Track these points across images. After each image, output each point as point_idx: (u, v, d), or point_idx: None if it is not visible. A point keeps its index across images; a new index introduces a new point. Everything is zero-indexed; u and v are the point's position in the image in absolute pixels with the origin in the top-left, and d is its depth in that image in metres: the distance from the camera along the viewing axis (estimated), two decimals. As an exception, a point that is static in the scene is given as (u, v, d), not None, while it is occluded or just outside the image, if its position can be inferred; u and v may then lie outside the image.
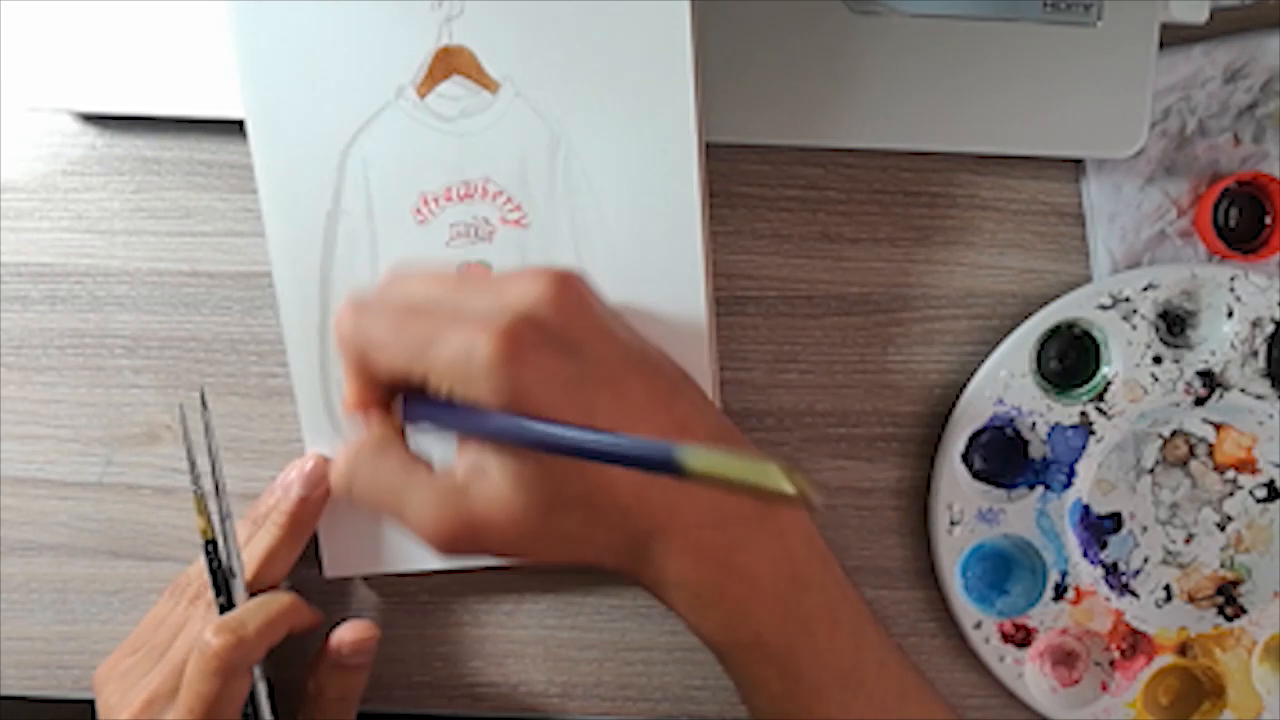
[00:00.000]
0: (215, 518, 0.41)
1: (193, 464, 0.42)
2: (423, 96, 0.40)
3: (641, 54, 0.39)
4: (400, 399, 0.37)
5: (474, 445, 0.35)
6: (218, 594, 0.41)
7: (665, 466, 0.29)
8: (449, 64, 0.39)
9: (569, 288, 0.35)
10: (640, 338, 0.38)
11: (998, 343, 0.45)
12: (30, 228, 0.46)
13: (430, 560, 0.43)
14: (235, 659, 0.38)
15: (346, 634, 0.42)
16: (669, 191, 0.40)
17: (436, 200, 0.40)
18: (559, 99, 0.40)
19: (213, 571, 0.41)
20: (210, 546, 0.41)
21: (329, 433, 0.42)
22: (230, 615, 0.40)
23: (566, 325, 0.34)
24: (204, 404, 0.42)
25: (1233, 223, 0.46)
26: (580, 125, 0.40)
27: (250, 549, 0.42)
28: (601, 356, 0.34)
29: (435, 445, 0.39)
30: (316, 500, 0.42)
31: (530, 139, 0.40)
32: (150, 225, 0.46)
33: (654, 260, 0.41)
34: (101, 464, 0.46)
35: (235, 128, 0.44)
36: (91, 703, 0.42)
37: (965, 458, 0.46)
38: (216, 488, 0.41)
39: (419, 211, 0.40)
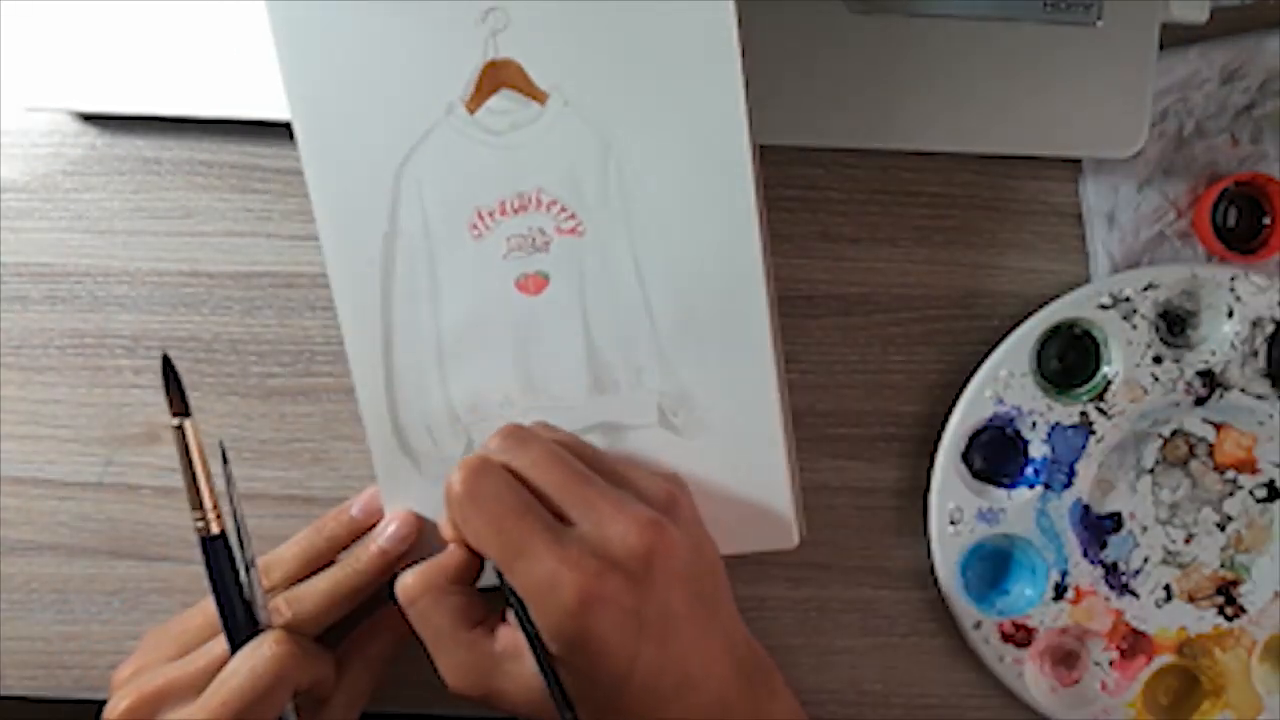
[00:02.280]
0: (241, 566, 0.39)
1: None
2: (472, 112, 0.39)
3: (688, 57, 0.39)
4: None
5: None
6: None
7: None
8: (497, 78, 0.39)
9: (665, 544, 0.36)
10: (714, 591, 0.39)
11: (998, 343, 0.45)
12: (30, 228, 0.45)
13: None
14: (289, 672, 0.38)
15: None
16: (723, 193, 0.40)
17: (491, 214, 0.40)
18: (607, 106, 0.39)
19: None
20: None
21: (397, 454, 0.42)
22: (293, 631, 0.39)
23: (646, 581, 0.36)
24: (224, 458, 0.39)
25: (1231, 223, 0.46)
26: (630, 131, 0.40)
27: (315, 584, 0.41)
28: (664, 613, 0.37)
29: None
30: (396, 558, 0.42)
31: (581, 147, 0.40)
32: (150, 225, 0.46)
33: (711, 262, 0.40)
34: (101, 464, 0.46)
35: (235, 128, 0.44)
36: (92, 702, 0.42)
37: (965, 458, 0.46)
38: (240, 539, 0.39)
39: (475, 227, 0.40)
